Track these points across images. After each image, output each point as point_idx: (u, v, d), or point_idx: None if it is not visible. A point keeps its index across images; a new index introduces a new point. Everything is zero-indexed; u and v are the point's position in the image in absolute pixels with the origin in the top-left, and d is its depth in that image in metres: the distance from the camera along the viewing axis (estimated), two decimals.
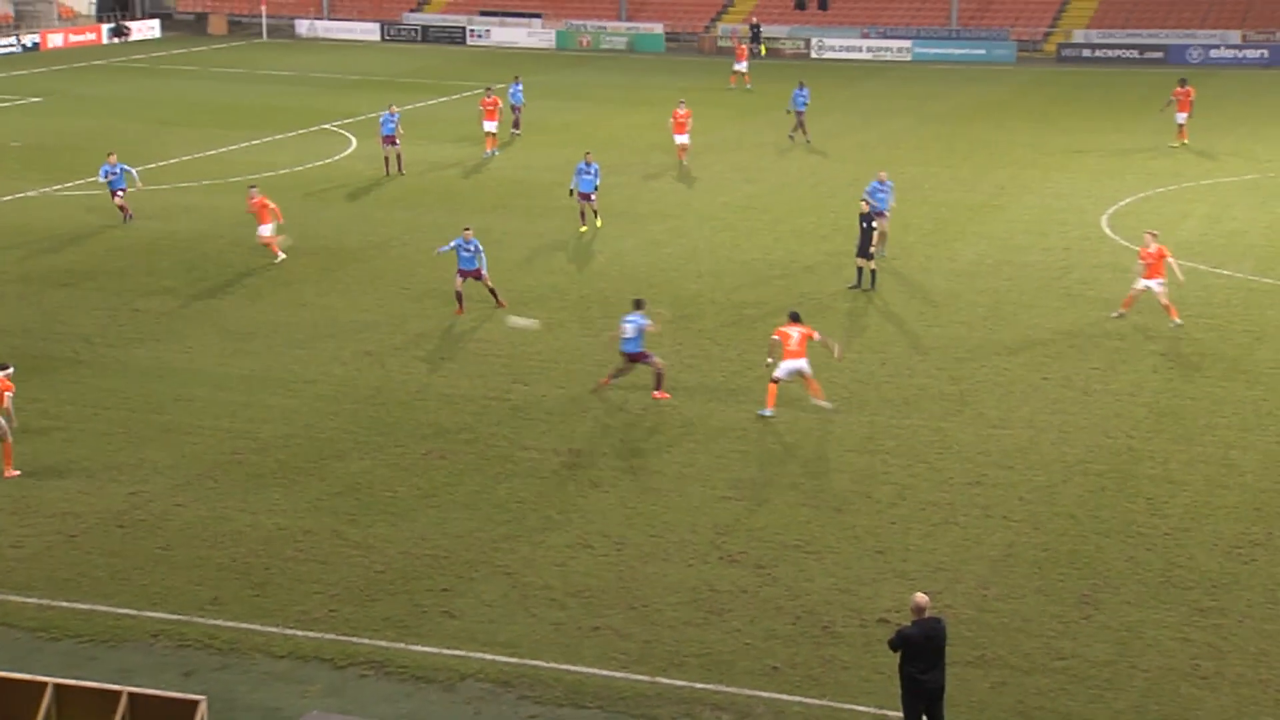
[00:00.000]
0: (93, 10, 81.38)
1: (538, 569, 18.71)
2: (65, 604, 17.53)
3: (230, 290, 31.06)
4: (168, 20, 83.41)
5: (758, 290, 31.46)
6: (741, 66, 64.01)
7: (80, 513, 20.08)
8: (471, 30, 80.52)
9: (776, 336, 24.09)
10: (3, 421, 21.28)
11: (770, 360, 24.16)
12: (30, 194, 40.17)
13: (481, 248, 29.47)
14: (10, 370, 21.80)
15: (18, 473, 21.24)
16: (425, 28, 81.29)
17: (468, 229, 29.85)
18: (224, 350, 27.20)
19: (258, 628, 17.11)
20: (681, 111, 45.18)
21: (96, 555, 18.85)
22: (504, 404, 24.60)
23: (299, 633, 17.03)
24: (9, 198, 39.50)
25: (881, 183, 34.00)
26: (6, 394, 21.31)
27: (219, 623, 17.21)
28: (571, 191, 36.65)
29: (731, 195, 41.53)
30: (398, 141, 43.28)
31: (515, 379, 25.81)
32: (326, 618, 17.38)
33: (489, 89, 50.36)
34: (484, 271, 29.58)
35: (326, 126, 52.30)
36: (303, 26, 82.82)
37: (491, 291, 29.82)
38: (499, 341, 27.88)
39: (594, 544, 19.43)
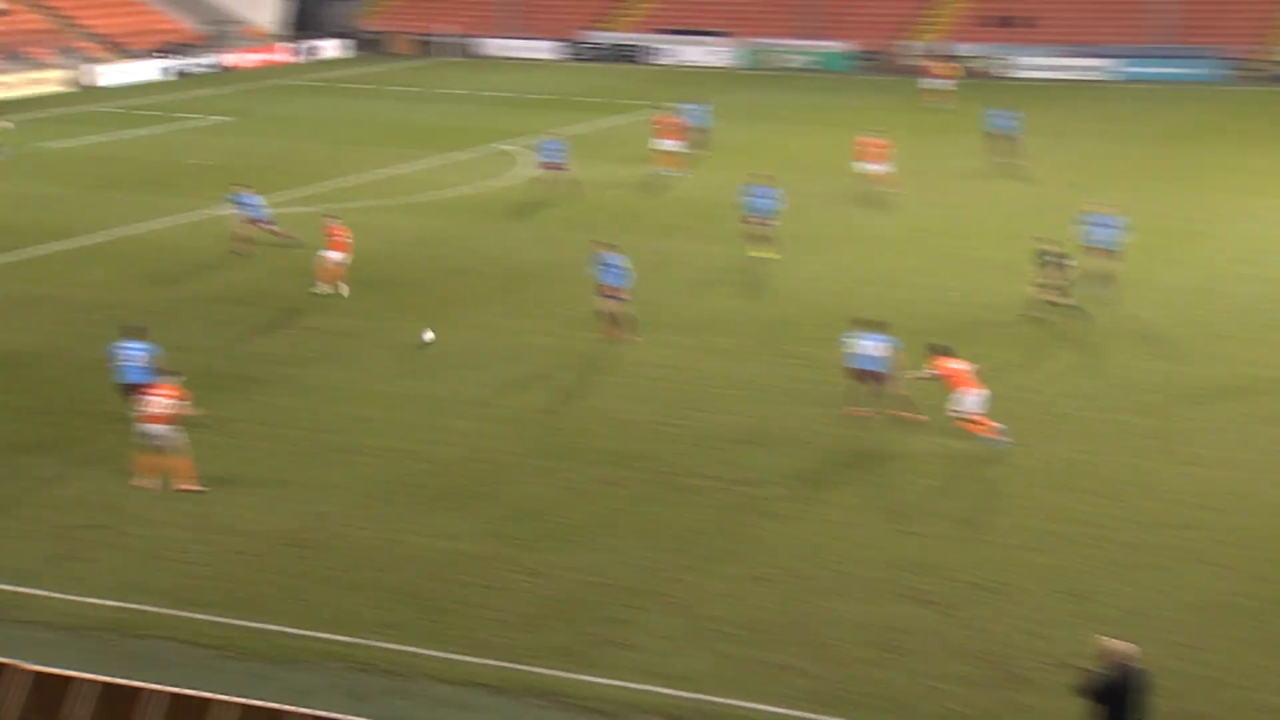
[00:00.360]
0: (281, 30, 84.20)
1: (713, 601, 18.70)
2: (243, 622, 18.06)
3: (405, 310, 31.74)
4: (352, 39, 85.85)
5: (944, 318, 31.05)
6: (936, 84, 63.52)
7: (258, 531, 20.69)
8: (654, 49, 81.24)
9: (938, 371, 23.80)
10: (176, 433, 22.09)
11: (915, 374, 23.99)
12: (213, 212, 41.59)
13: (626, 266, 29.37)
14: (181, 378, 22.57)
15: (200, 489, 21.96)
16: (607, 46, 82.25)
17: (602, 243, 29.96)
18: (399, 371, 27.79)
19: (430, 653, 17.40)
20: (874, 139, 44.66)
21: (273, 574, 19.40)
22: (680, 430, 24.67)
23: (471, 659, 17.28)
24: (193, 216, 40.99)
25: (1104, 216, 32.85)
26: (179, 403, 22.08)
27: (392, 646, 17.54)
28: (750, 214, 36.69)
29: (920, 220, 41.11)
30: (566, 168, 43.77)
31: (692, 405, 25.87)
32: (498, 644, 17.61)
33: (671, 107, 50.76)
34: (623, 292, 29.28)
35: (504, 146, 53.20)
36: (484, 45, 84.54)
37: (617, 317, 29.51)
38: (677, 367, 28.00)
39: (771, 577, 19.35)
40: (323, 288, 32.47)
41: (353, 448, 23.83)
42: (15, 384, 26.79)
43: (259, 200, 36.40)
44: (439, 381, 27.14)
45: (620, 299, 29.29)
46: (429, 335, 29.21)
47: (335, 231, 33.01)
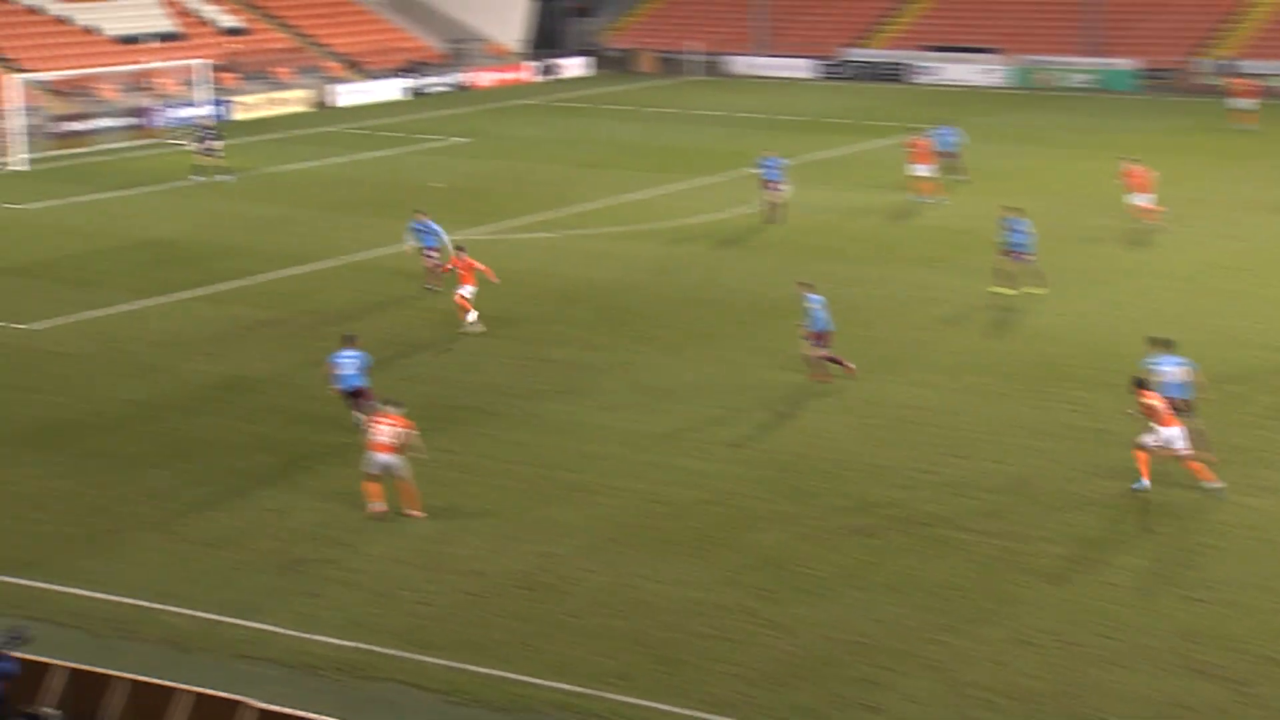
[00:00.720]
0: (523, 48, 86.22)
1: (972, 665, 18.33)
2: (472, 668, 18.38)
3: (646, 343, 32.06)
4: (596, 58, 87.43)
5: (1239, 363, 29.93)
6: (1239, 104, 61.61)
7: (487, 571, 21.09)
8: (917, 67, 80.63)
9: (1147, 405, 23.34)
10: (403, 462, 22.74)
11: (1133, 412, 23.72)
12: (453, 238, 42.70)
13: (824, 309, 29.11)
14: (403, 408, 23.24)
15: (423, 515, 22.70)
16: (865, 64, 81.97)
17: (804, 283, 29.94)
18: (637, 406, 28.05)
19: (663, 707, 17.45)
20: (1135, 167, 43.34)
21: (503, 618, 19.75)
22: (936, 478, 24.31)
23: (707, 716, 17.27)
24: None
25: None
26: (405, 431, 22.78)
27: (623, 699, 17.65)
28: (1007, 249, 35.91)
29: (1213, 254, 39.77)
30: (783, 188, 44.06)
31: (950, 451, 25.48)
32: (738, 701, 17.56)
33: (923, 130, 50.32)
34: (827, 336, 29.03)
35: (753, 171, 53.36)
36: (735, 63, 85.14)
37: (835, 360, 29.26)
38: (931, 408, 27.63)
39: (1037, 641, 18.88)
40: (472, 327, 32.82)
41: (586, 486, 24.13)
42: (246, 411, 27.94)
43: (438, 228, 36.28)
44: (676, 419, 27.29)
45: (823, 343, 29.15)
46: (472, 316, 31.72)
47: (462, 264, 33.17)
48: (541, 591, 20.47)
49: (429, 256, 35.98)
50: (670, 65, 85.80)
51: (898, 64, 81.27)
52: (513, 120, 67.81)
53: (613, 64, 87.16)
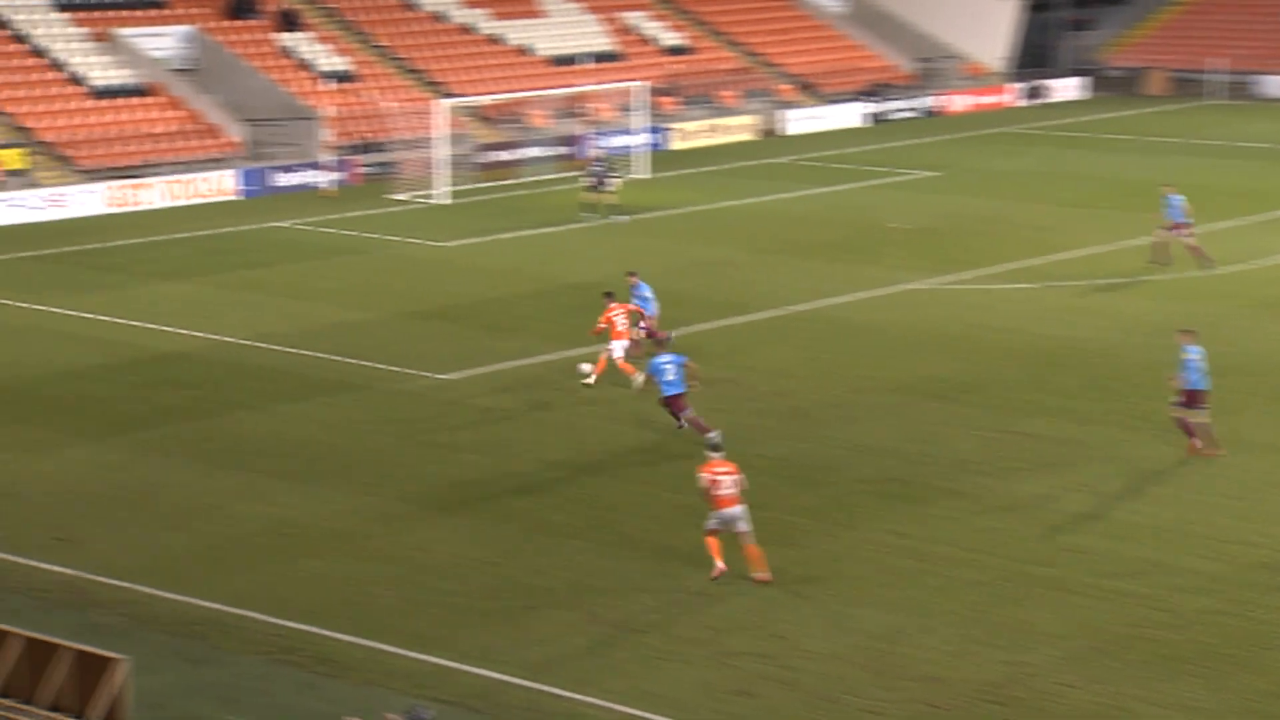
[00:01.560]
0: (1004, 67, 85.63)
1: None
2: None
3: (1143, 418, 31.18)
4: (1094, 78, 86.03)
5: None
6: None
7: (948, 679, 20.89)
8: None
9: None
10: (746, 514, 23.55)
11: None
12: (913, 286, 42.74)
13: (1202, 364, 28.36)
14: (723, 452, 24.08)
15: (769, 578, 23.50)
16: None
17: (1186, 330, 29.34)
18: (1132, 492, 27.36)
19: None
20: None
21: None
22: None
23: None
24: (885, 291, 42.26)
25: None
26: (736, 478, 23.60)
27: None
28: None
29: None
30: (1185, 232, 43.28)
31: None
32: None
33: None
34: (1201, 397, 28.21)
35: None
36: (1268, 84, 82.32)
37: (1192, 427, 28.38)
38: None
39: None
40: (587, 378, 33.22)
41: (1066, 584, 23.68)
42: (673, 479, 28.45)
43: (649, 291, 35.72)
44: (1180, 510, 26.54)
45: (1195, 406, 28.42)
46: (586, 367, 33.18)
47: (611, 313, 33.27)
48: (1013, 707, 20.16)
49: (642, 328, 34.97)
50: (1186, 87, 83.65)
51: None
52: (990, 151, 67.43)
53: (1114, 85, 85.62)
